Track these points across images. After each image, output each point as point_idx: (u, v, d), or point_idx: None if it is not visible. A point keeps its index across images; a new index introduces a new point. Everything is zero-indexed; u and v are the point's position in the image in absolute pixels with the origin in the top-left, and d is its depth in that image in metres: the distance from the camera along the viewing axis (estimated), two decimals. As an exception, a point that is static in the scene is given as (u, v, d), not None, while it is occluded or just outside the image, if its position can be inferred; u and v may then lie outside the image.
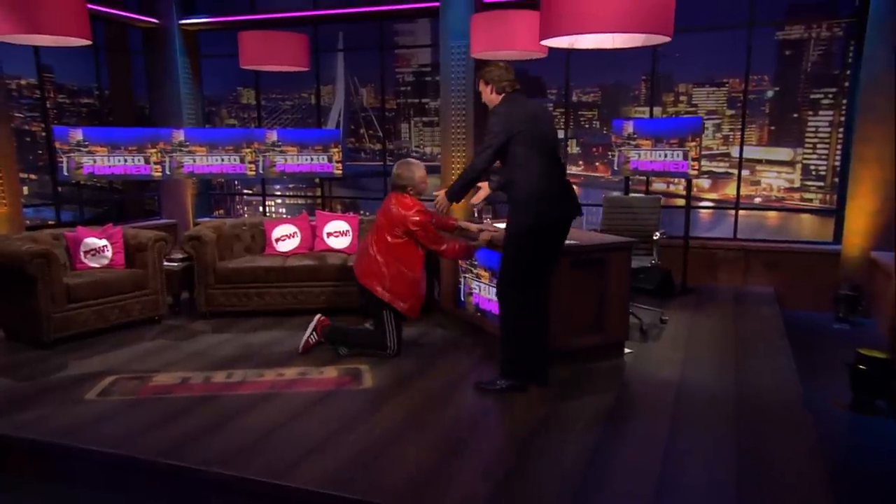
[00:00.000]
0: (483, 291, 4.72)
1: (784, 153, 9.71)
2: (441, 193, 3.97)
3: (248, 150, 7.14)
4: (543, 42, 3.41)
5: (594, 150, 12.51)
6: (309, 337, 4.49)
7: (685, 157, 5.95)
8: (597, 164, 12.29)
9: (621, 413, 3.51)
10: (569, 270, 4.06)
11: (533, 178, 3.49)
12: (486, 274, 4.66)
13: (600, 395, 3.74)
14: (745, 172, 7.13)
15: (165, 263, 5.36)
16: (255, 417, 3.47)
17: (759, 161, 9.69)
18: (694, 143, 5.86)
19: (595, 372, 4.11)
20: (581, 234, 4.63)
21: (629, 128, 6.43)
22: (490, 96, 3.69)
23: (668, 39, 3.26)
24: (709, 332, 5.00)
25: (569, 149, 8.19)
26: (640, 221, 5.32)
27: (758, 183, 10.16)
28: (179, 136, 6.97)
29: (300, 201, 12.02)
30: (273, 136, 7.24)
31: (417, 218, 4.17)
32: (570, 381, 3.95)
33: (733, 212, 6.95)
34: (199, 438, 3.21)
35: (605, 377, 4.04)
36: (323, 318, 4.57)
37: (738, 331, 5.00)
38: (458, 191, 3.79)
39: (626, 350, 4.43)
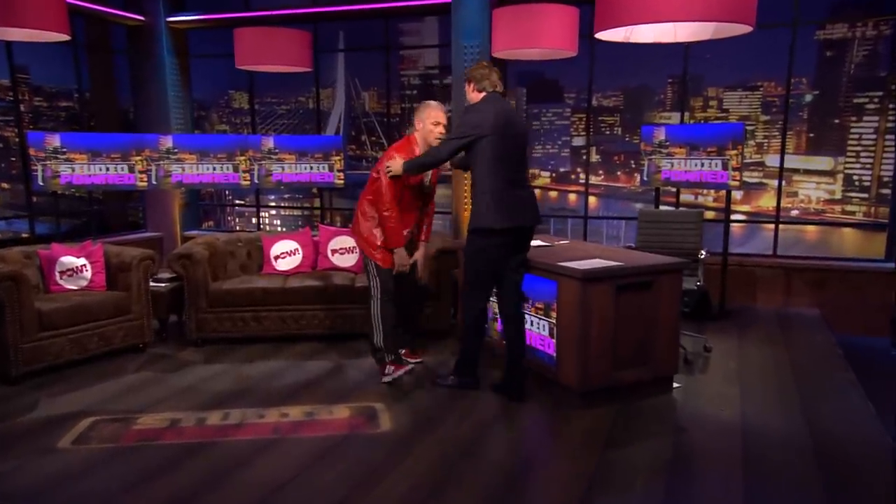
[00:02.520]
0: (510, 317, 4.33)
1: (824, 162, 9.34)
2: (399, 157, 3.89)
3: (242, 158, 6.76)
4: (598, 35, 3.05)
5: (615, 158, 12.08)
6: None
7: (724, 166, 5.61)
8: (618, 173, 11.86)
9: (684, 465, 3.13)
10: (613, 295, 3.70)
11: (497, 185, 3.59)
12: (515, 298, 4.27)
13: (655, 442, 3.36)
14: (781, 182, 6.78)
15: (151, 284, 4.95)
16: (259, 470, 3.07)
17: (797, 170, 9.33)
18: (735, 152, 5.52)
19: (643, 412, 3.73)
20: (624, 253, 4.26)
21: (660, 134, 6.09)
22: (471, 94, 3.75)
23: (748, 29, 2.90)
24: (760, 362, 4.63)
25: (588, 157, 7.85)
26: (681, 238, 4.96)
27: (795, 194, 9.78)
28: (167, 142, 6.59)
29: (296, 213, 11.61)
30: (269, 142, 6.86)
31: (391, 158, 3.92)
32: (617, 423, 3.57)
33: (768, 226, 6.61)
34: (193, 498, 2.81)
35: (656, 419, 3.66)
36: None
37: (793, 361, 4.63)
38: (415, 168, 3.85)
39: (675, 384, 4.06)
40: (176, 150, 6.59)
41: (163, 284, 5.12)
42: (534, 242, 4.58)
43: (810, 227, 8.31)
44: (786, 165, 6.54)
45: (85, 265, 4.74)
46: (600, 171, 11.94)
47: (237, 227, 9.71)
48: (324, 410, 3.79)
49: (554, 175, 12.89)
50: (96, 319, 4.52)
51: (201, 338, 4.95)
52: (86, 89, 8.32)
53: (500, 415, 3.74)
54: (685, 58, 6.46)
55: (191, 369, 4.50)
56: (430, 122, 3.98)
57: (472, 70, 3.75)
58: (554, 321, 3.90)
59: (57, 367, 4.34)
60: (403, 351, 4.41)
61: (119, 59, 8.55)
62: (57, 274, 4.67)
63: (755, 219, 8.90)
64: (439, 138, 3.94)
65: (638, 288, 3.79)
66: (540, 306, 4.03)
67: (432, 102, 4.10)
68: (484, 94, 3.69)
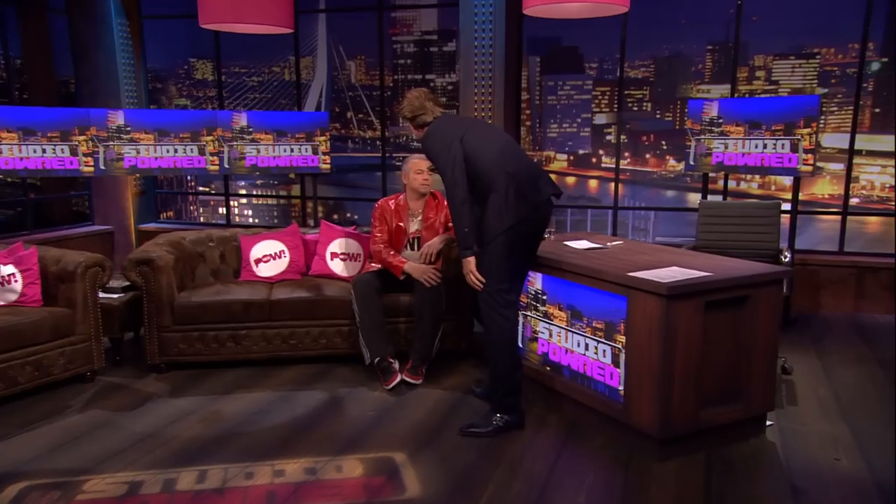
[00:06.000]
0: (557, 338, 3.72)
1: (892, 142, 8.68)
2: (469, 263, 3.42)
3: (209, 138, 6.03)
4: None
5: (643, 138, 11.24)
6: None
7: (794, 148, 5.03)
8: (647, 155, 11.04)
9: (820, 544, 2.54)
10: (701, 315, 3.10)
11: (509, 172, 3.32)
12: (563, 314, 3.66)
13: (770, 508, 2.77)
14: (838, 167, 6.26)
15: (101, 296, 4.23)
16: (253, 566, 2.41)
17: (859, 152, 8.69)
18: (808, 131, 4.95)
19: (740, 463, 3.14)
20: (703, 258, 3.65)
21: (712, 110, 5.50)
22: (417, 133, 3.61)
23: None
24: (856, 386, 4.08)
25: (612, 137, 7.24)
26: (753, 236, 4.39)
27: (856, 180, 9.18)
28: (117, 119, 5.85)
29: (271, 202, 10.80)
30: (242, 120, 6.16)
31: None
32: (712, 480, 2.98)
33: (824, 217, 6.08)
34: None
35: (760, 473, 3.07)
36: None
37: None
38: (468, 235, 3.37)
39: (767, 422, 3.48)
40: (129, 129, 5.86)
41: (115, 296, 4.42)
42: (581, 244, 4.01)
43: (872, 219, 7.80)
44: (846, 146, 6.01)
45: (14, 274, 4.00)
46: (626, 154, 11.13)
47: (201, 219, 8.94)
48: (329, 465, 3.14)
49: (572, 158, 12.02)
50: (30, 344, 3.81)
51: (165, 362, 4.27)
52: (15, 55, 7.53)
53: (558, 467, 3.13)
54: (737, 17, 5.87)
55: (153, 406, 3.81)
56: (413, 172, 4.22)
57: (403, 110, 3.61)
58: (620, 347, 3.29)
59: (-22, 408, 3.63)
60: (407, 364, 4.13)
61: (56, 19, 7.71)
62: (-22, 286, 3.94)
63: (815, 209, 8.27)
64: (424, 184, 4.23)
65: (730, 304, 3.19)
66: (599, 326, 3.42)
67: (413, 155, 4.32)
68: (425, 128, 3.53)
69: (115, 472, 3.06)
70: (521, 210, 3.31)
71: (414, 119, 3.55)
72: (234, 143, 6.10)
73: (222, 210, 8.22)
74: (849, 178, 5.86)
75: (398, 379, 4.02)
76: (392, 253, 4.22)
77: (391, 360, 4.09)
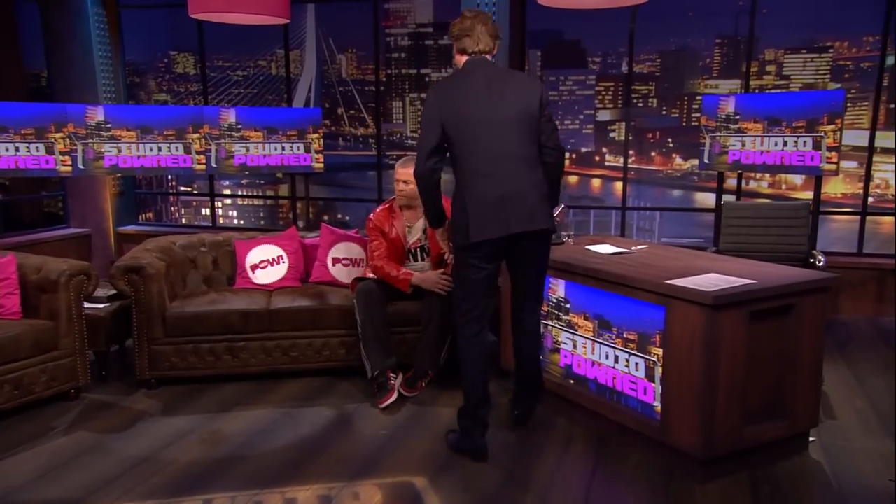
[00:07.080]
0: (582, 349, 3.56)
1: None
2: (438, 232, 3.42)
3: (195, 135, 5.79)
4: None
5: (649, 135, 11.06)
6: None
7: (817, 146, 4.93)
8: (652, 153, 10.86)
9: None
10: (746, 325, 2.95)
11: (474, 184, 3.01)
12: (589, 324, 3.50)
13: (829, 535, 2.63)
14: (852, 165, 6.19)
15: (86, 305, 4.00)
16: None
17: (875, 149, 8.63)
18: (832, 128, 4.85)
19: (787, 485, 3.01)
20: (738, 263, 3.51)
21: (728, 106, 5.39)
22: (456, 58, 3.24)
23: None
24: (893, 395, 3.97)
25: (616, 135, 7.12)
26: (782, 238, 4.27)
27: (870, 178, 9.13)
28: (97, 115, 5.58)
29: (257, 202, 10.53)
30: (230, 116, 5.93)
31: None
32: None
33: (836, 216, 6.01)
34: None
35: (811, 496, 2.96)
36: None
37: (933, 394, 3.99)
38: (434, 214, 3.24)
39: (809, 438, 3.35)
40: (109, 125, 5.60)
41: (101, 306, 4.18)
42: (605, 248, 3.86)
43: (885, 218, 7.76)
44: (861, 143, 5.95)
45: (-9, 284, 3.76)
46: (631, 152, 11.02)
47: (183, 220, 8.69)
48: (345, 492, 2.95)
49: (574, 156, 11.77)
50: (9, 360, 3.57)
51: (156, 377, 4.05)
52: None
53: (593, 492, 2.96)
54: (752, 9, 5.76)
55: (145, 426, 3.59)
56: (396, 182, 4.00)
57: (453, 25, 3.23)
58: (655, 360, 3.14)
59: (-47, 431, 3.39)
60: (408, 374, 3.98)
61: (25, 7, 7.41)
62: (-50, 298, 3.69)
63: (830, 208, 8.20)
64: (399, 194, 4.01)
65: (775, 314, 3.05)
66: (631, 337, 3.27)
67: (400, 161, 4.06)
68: (465, 56, 3.15)
69: (110, 502, 2.85)
70: (472, 236, 3.01)
71: (458, 39, 3.13)
72: (222, 140, 5.87)
73: (205, 211, 7.96)
74: (868, 177, 5.78)
75: (393, 398, 3.80)
76: (395, 266, 3.99)
77: (391, 374, 3.89)
